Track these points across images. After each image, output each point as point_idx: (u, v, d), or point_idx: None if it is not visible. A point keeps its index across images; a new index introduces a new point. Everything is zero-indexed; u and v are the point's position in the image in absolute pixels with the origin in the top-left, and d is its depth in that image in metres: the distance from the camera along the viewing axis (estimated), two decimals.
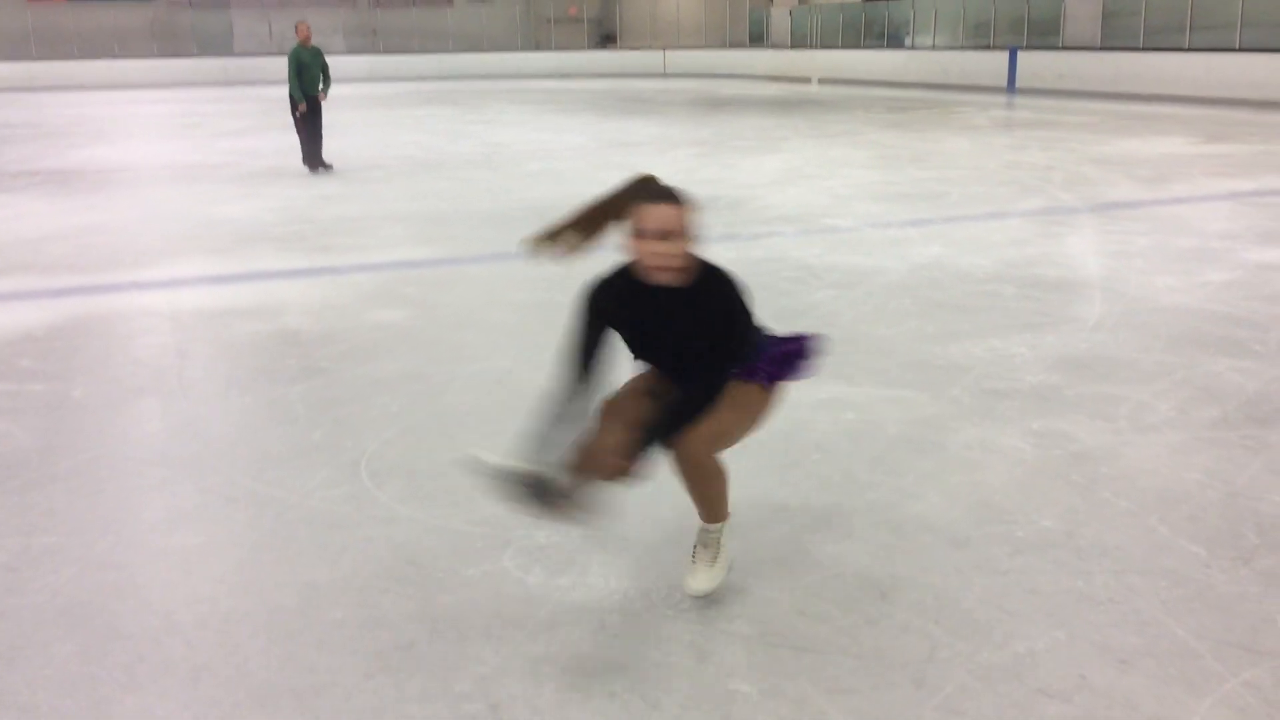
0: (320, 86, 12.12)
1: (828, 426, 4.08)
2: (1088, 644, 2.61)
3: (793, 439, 3.96)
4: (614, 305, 2.71)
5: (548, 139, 15.82)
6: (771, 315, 5.66)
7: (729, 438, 2.80)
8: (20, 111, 23.12)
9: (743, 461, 3.76)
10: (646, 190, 2.66)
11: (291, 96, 11.92)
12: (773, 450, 3.87)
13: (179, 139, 16.87)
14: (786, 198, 9.77)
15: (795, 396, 4.37)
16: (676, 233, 2.59)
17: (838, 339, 5.26)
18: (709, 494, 2.84)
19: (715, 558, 2.86)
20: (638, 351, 2.81)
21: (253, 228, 8.62)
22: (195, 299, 6.28)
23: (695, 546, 2.89)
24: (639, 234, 2.60)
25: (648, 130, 17.25)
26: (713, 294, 2.69)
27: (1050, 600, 2.81)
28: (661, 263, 2.60)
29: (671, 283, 2.64)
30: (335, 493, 3.54)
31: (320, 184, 11.21)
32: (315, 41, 12.43)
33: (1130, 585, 2.88)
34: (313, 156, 12.10)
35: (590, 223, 2.73)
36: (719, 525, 2.88)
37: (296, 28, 12.04)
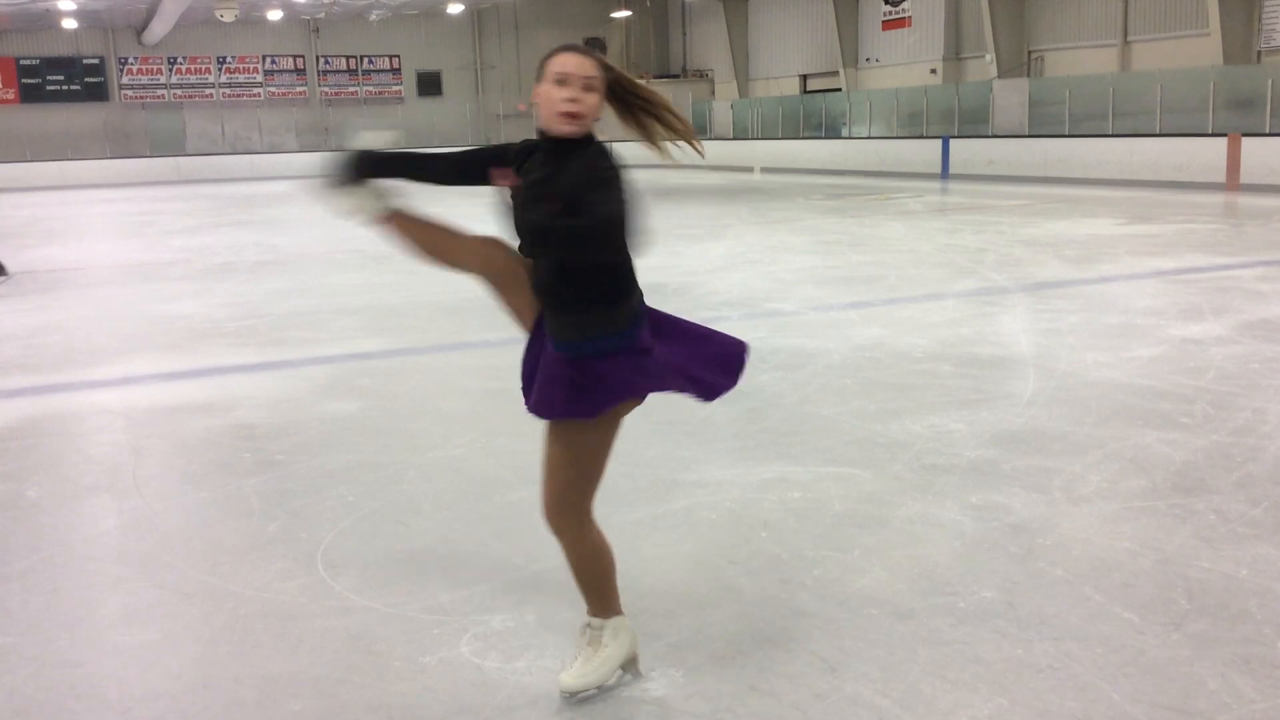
0: None
1: (774, 505, 4.19)
2: (1029, 711, 2.71)
3: (741, 518, 4.06)
4: (520, 156, 2.69)
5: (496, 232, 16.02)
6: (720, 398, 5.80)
7: (573, 488, 2.70)
8: None
9: (693, 541, 3.87)
10: (558, 48, 2.63)
11: None
12: (722, 528, 3.97)
13: (131, 237, 16.88)
14: (731, 283, 10.00)
15: (742, 478, 4.51)
16: (592, 82, 2.57)
17: (783, 418, 5.41)
18: (585, 576, 2.80)
19: (594, 655, 2.80)
20: (517, 222, 2.59)
21: (206, 324, 8.66)
22: (149, 396, 6.29)
23: (578, 635, 2.87)
24: (556, 80, 2.53)
25: None
26: (599, 156, 2.58)
27: (992, 669, 2.92)
28: (573, 109, 2.53)
29: (573, 134, 2.57)
30: (291, 584, 3.58)
31: (272, 279, 11.28)
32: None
33: (1068, 652, 2.99)
34: None
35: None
36: (600, 621, 2.83)
37: None
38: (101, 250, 15.13)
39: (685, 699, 2.81)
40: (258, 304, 9.62)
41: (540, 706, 2.80)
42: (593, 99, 2.59)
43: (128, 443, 5.36)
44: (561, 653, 3.07)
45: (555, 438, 2.71)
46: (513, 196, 2.62)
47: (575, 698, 2.79)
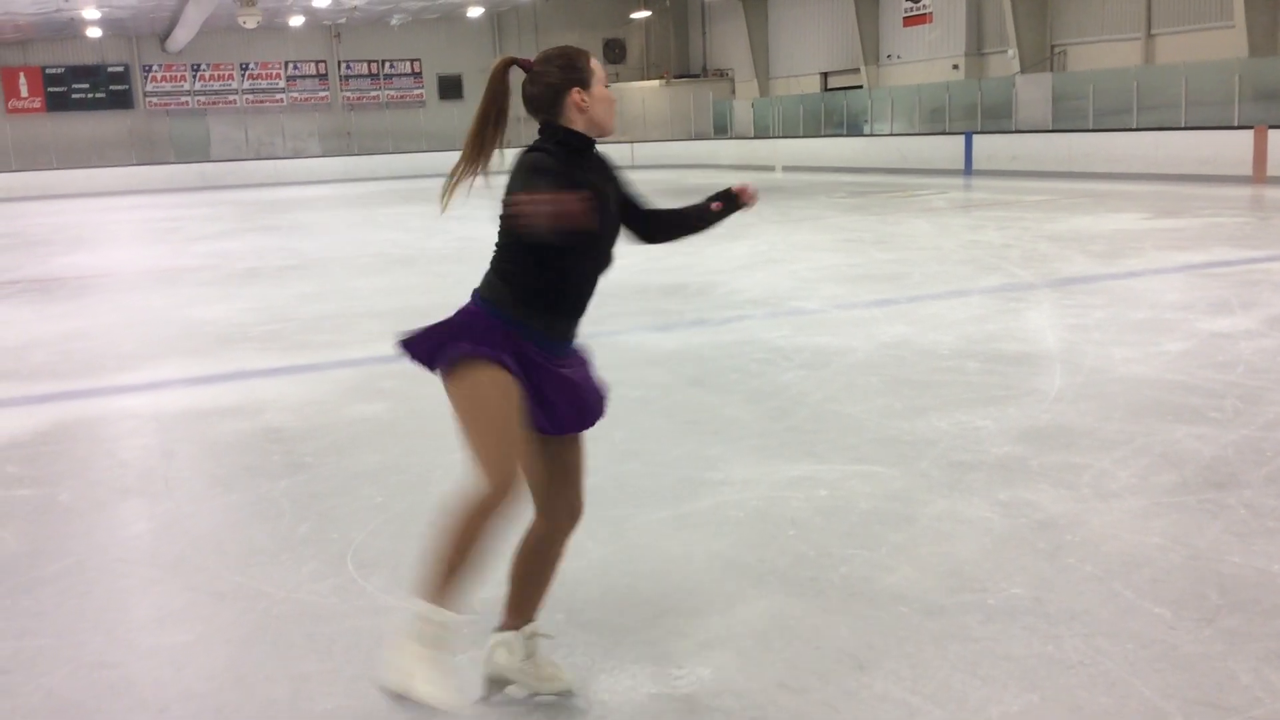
0: None
1: (801, 504, 4.19)
2: (1060, 706, 2.71)
3: (767, 516, 4.07)
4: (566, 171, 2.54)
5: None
6: (744, 396, 5.84)
7: (470, 439, 2.57)
8: (1, 222, 23.26)
9: (720, 540, 3.88)
10: (567, 47, 2.64)
11: None
12: (748, 527, 3.98)
13: (157, 244, 17.03)
14: (754, 282, 10.00)
15: (768, 476, 4.51)
16: None
17: (808, 417, 5.41)
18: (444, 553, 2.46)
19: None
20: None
21: (232, 328, 8.73)
22: (178, 400, 6.35)
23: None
24: (602, 81, 2.60)
25: None
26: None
27: (1023, 665, 2.91)
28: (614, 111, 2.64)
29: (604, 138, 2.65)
30: (323, 585, 3.61)
31: (297, 283, 11.36)
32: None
33: (1098, 648, 2.98)
34: None
35: (477, 142, 2.66)
36: (428, 605, 2.42)
37: None
38: (128, 256, 15.28)
39: (714, 696, 2.82)
40: (283, 308, 9.70)
41: (571, 703, 2.81)
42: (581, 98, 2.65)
43: (158, 446, 5.42)
44: (591, 650, 3.08)
45: (576, 439, 2.76)
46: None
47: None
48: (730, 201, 2.87)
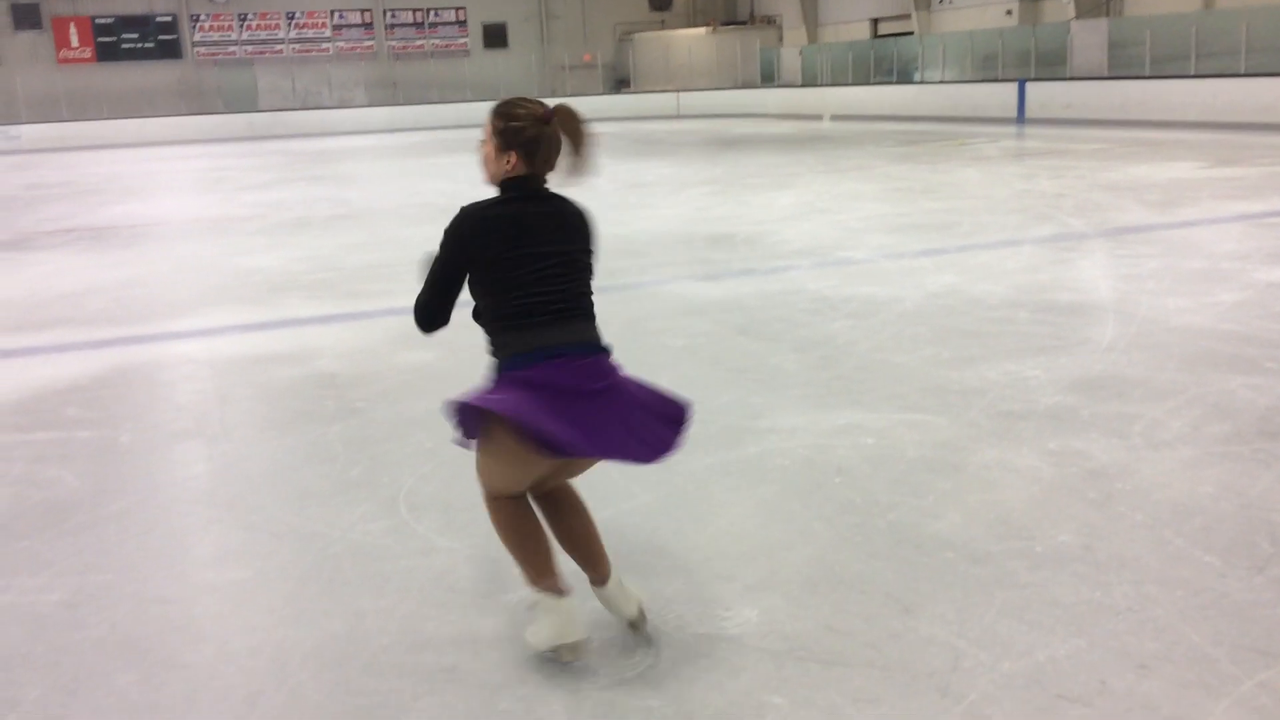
0: None
1: (848, 451, 4.19)
2: (1107, 651, 2.71)
3: (814, 464, 4.08)
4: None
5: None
6: (791, 345, 5.83)
7: (485, 479, 2.73)
8: (54, 171, 23.61)
9: (766, 486, 3.90)
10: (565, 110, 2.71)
11: None
12: (795, 474, 4.00)
13: (207, 193, 17.21)
14: (800, 232, 9.93)
15: (815, 425, 4.51)
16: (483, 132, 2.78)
17: (855, 366, 5.39)
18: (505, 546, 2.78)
19: (533, 620, 2.77)
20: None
21: (283, 277, 8.84)
22: (232, 346, 6.47)
23: None
24: (486, 139, 2.76)
25: (661, 170, 17.49)
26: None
27: (1070, 611, 2.91)
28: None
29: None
30: (376, 526, 3.68)
31: (345, 233, 11.45)
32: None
33: (1148, 595, 2.97)
34: None
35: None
36: (530, 589, 2.78)
37: None
38: (179, 205, 15.47)
39: (761, 638, 2.85)
40: (332, 257, 9.79)
41: (618, 642, 2.86)
42: (484, 149, 2.75)
43: (214, 391, 5.52)
44: (641, 588, 3.12)
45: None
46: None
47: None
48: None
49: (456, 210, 2.73)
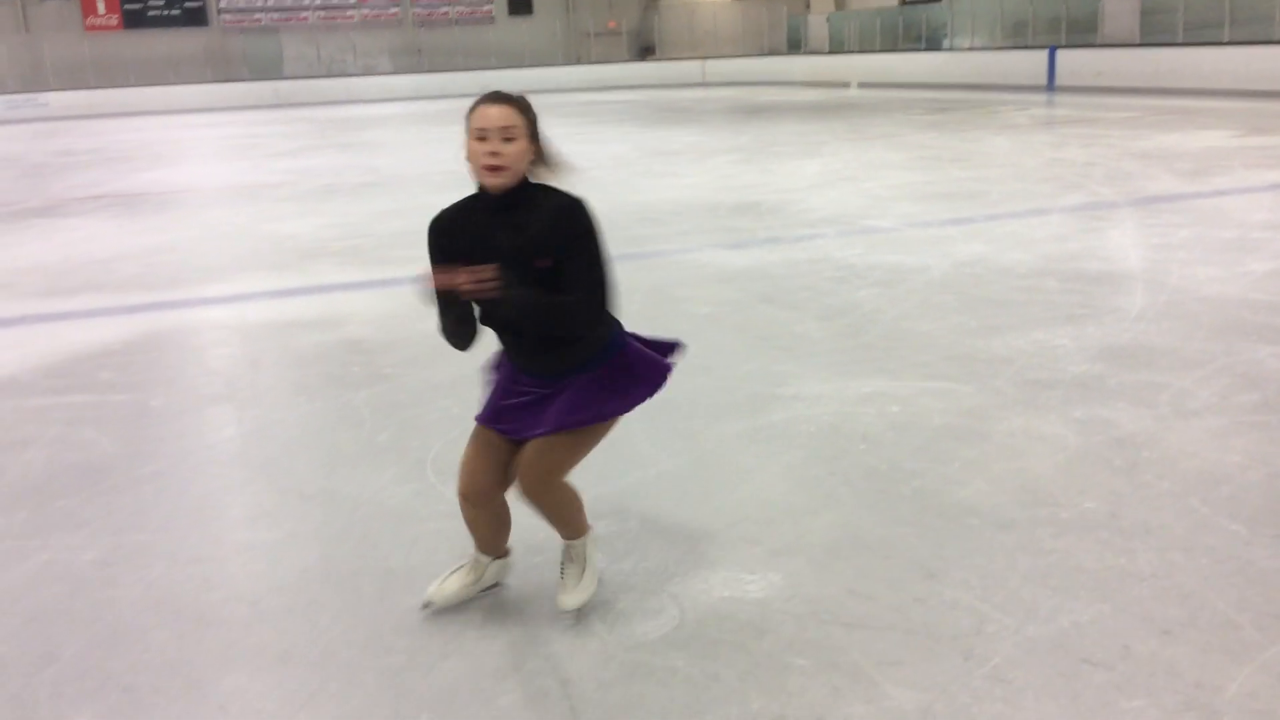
0: None
1: (873, 419, 4.20)
2: (1131, 616, 2.72)
3: (839, 430, 4.09)
4: (448, 236, 2.66)
5: (590, 150, 16.04)
6: (816, 313, 5.83)
7: (562, 469, 2.74)
8: (84, 139, 23.76)
9: (791, 452, 3.92)
10: (481, 98, 2.59)
11: None
12: (819, 441, 4.01)
13: (236, 160, 17.29)
14: (827, 200, 9.89)
15: (840, 392, 4.52)
16: (509, 130, 2.51)
17: (881, 334, 5.39)
18: (557, 516, 2.83)
19: (583, 572, 2.88)
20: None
21: (312, 243, 8.89)
22: (262, 312, 6.53)
23: (561, 564, 2.91)
24: (476, 135, 2.52)
25: (687, 138, 17.41)
26: (543, 208, 2.55)
27: (1094, 577, 2.92)
28: (490, 162, 2.50)
29: (502, 187, 2.54)
30: (404, 489, 3.73)
31: (373, 200, 11.49)
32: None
33: (1172, 562, 2.98)
34: None
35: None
36: (580, 540, 2.90)
37: None
38: (208, 173, 15.55)
39: (785, 601, 2.88)
40: (360, 224, 9.83)
41: (646, 604, 2.90)
42: (514, 147, 2.54)
43: (244, 356, 5.58)
44: (663, 555, 3.16)
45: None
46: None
47: (580, 611, 2.85)
48: None
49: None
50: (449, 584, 2.92)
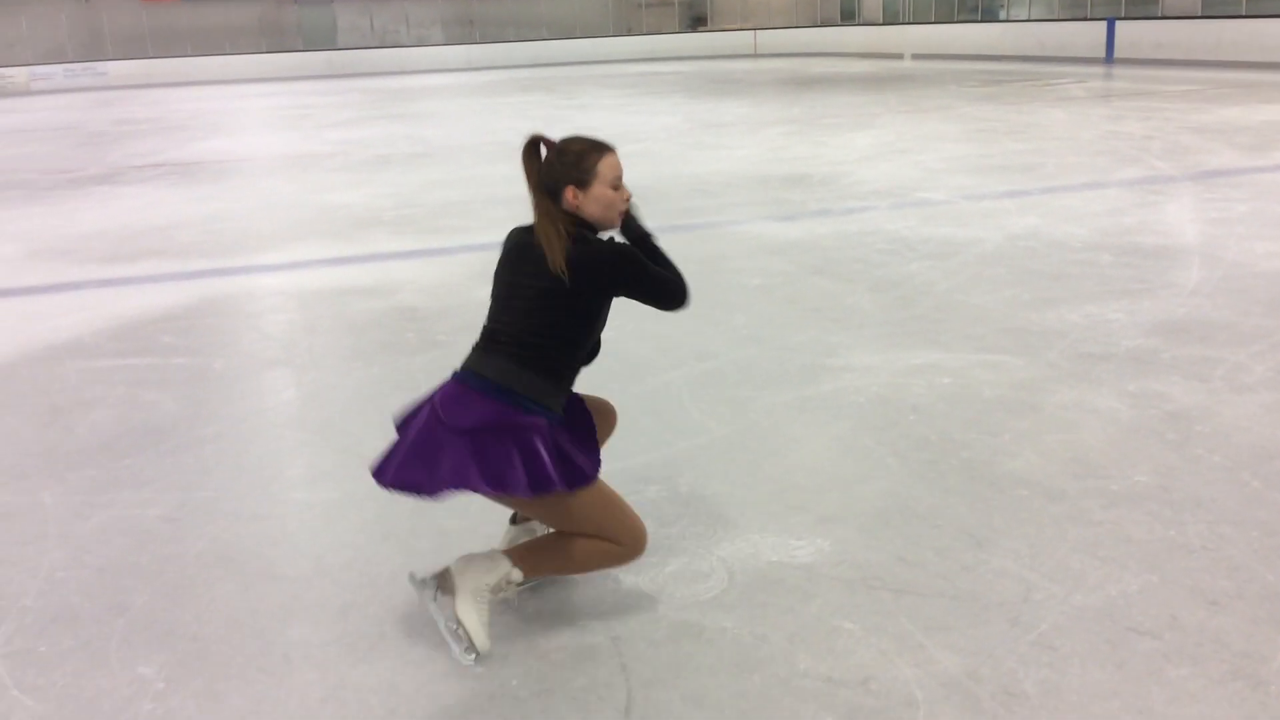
0: None
1: (923, 390, 4.21)
2: (1179, 588, 2.73)
3: (890, 402, 4.11)
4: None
5: (641, 121, 16.02)
6: (868, 285, 5.82)
7: (604, 524, 2.63)
8: (142, 108, 24.14)
9: (840, 422, 3.94)
10: (585, 143, 2.67)
11: None
12: (870, 411, 4.03)
13: (290, 130, 17.48)
14: (879, 173, 9.82)
15: (890, 364, 4.53)
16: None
17: (933, 307, 5.38)
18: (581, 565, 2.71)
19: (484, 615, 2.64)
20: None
21: (365, 213, 9.01)
22: (317, 279, 6.64)
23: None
24: (612, 185, 2.65)
25: (739, 110, 17.33)
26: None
27: (1143, 548, 2.93)
28: (625, 209, 2.73)
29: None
30: None
31: (425, 170, 11.59)
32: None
33: (1222, 535, 2.98)
34: None
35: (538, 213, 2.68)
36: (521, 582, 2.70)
37: None
38: (263, 142, 15.75)
39: (833, 566, 2.92)
40: (413, 194, 9.93)
41: (695, 566, 2.95)
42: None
43: (301, 322, 5.70)
44: (711, 520, 3.21)
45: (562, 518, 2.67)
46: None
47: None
48: None
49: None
50: (481, 618, 2.66)
